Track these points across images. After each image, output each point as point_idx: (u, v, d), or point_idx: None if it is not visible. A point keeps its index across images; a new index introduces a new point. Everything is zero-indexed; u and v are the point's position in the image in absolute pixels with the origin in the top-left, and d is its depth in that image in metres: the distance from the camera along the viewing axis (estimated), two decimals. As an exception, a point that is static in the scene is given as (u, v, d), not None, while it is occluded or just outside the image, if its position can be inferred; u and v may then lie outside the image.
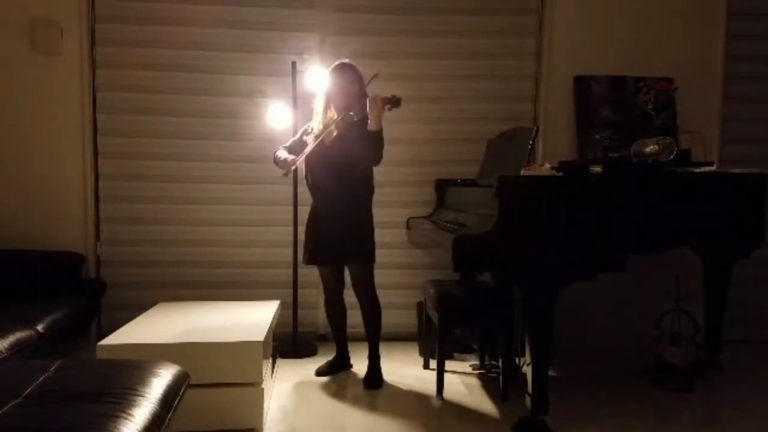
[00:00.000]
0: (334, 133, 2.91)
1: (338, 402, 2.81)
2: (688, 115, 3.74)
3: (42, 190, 3.49)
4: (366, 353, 3.06)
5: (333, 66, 2.97)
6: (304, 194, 3.44)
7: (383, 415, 2.65)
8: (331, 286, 3.13)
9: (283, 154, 3.02)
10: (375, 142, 2.83)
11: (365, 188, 2.99)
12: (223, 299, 3.22)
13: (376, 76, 2.87)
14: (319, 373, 3.15)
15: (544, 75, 3.72)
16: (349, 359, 3.25)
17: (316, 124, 2.99)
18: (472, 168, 3.45)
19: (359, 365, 3.18)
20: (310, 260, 3.06)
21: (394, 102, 2.82)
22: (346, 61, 2.97)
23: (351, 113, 2.87)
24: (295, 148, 3.06)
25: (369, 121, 2.80)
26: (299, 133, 3.13)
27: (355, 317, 3.14)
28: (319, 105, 3.00)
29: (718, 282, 3.26)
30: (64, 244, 3.45)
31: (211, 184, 3.62)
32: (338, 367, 3.20)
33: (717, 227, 2.81)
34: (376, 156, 2.88)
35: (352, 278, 3.03)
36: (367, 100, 2.81)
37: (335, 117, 2.91)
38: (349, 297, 3.12)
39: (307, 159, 3.00)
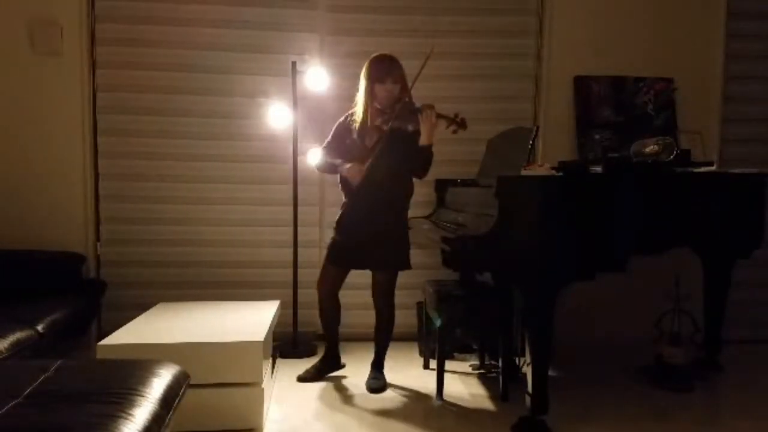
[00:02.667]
0: (376, 137, 2.85)
1: (338, 402, 2.81)
2: (688, 115, 3.74)
3: (42, 190, 3.49)
4: (367, 355, 3.05)
5: (374, 58, 2.86)
6: (304, 194, 3.46)
7: (383, 415, 2.65)
8: (335, 285, 3.07)
9: (337, 160, 2.91)
10: (425, 157, 2.81)
11: (405, 193, 2.97)
12: (223, 299, 3.22)
13: (432, 52, 2.79)
14: (302, 379, 3.05)
15: (544, 75, 3.72)
16: (339, 359, 3.20)
17: (359, 118, 2.90)
18: (472, 168, 3.45)
19: (361, 366, 3.17)
20: (339, 262, 2.98)
21: (459, 123, 2.79)
22: (389, 54, 2.88)
23: (398, 123, 2.79)
24: (332, 153, 2.98)
25: (421, 135, 2.77)
26: (334, 130, 3.02)
27: (349, 317, 3.13)
28: (360, 100, 2.90)
29: (718, 282, 3.26)
30: (64, 244, 3.45)
31: (211, 184, 3.62)
32: (326, 370, 3.12)
33: (717, 227, 2.81)
34: (423, 171, 2.87)
35: (377, 284, 2.98)
36: (421, 114, 2.75)
37: (378, 118, 2.84)
38: (347, 297, 3.11)
39: (348, 160, 2.92)
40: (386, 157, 2.82)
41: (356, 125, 2.92)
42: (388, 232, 2.89)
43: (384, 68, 2.84)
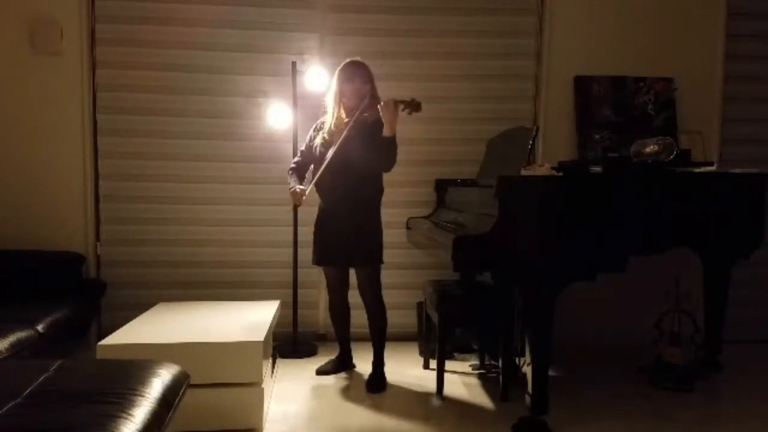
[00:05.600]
0: (344, 134, 2.87)
1: (338, 402, 2.81)
2: (688, 115, 3.74)
3: (42, 190, 3.49)
4: (370, 355, 3.05)
5: (344, 64, 2.93)
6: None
7: (383, 415, 2.65)
8: (336, 287, 3.11)
9: (293, 181, 3.00)
10: (389, 148, 2.81)
11: (374, 190, 2.97)
12: (223, 299, 3.22)
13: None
14: (320, 372, 3.15)
15: (544, 75, 3.72)
16: (351, 360, 3.25)
17: (328, 121, 2.95)
18: (472, 168, 3.45)
19: (363, 366, 3.18)
20: (318, 261, 3.04)
21: (414, 106, 2.78)
22: (357, 59, 2.94)
23: (366, 114, 2.84)
24: (307, 155, 3.05)
25: (384, 127, 2.77)
26: (309, 133, 3.08)
27: (359, 317, 3.14)
28: (329, 103, 2.96)
29: (718, 282, 3.26)
30: (64, 244, 3.45)
31: (211, 184, 3.62)
32: (340, 367, 3.19)
33: (717, 227, 2.81)
34: (389, 162, 2.86)
35: (359, 281, 3.00)
36: (380, 105, 2.77)
37: (345, 118, 2.89)
38: (354, 298, 3.10)
39: (316, 159, 2.98)
40: (350, 147, 2.83)
41: (326, 126, 2.96)
42: (359, 229, 2.90)
43: (352, 69, 2.90)
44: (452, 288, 3.01)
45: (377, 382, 2.98)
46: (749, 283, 3.67)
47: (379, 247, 2.97)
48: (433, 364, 3.08)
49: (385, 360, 3.07)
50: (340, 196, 2.91)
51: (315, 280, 3.62)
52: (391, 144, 2.81)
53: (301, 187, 2.96)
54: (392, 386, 2.99)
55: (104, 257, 3.60)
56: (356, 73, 2.89)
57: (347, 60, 2.94)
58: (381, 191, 3.01)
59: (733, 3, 3.77)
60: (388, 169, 2.90)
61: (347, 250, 2.91)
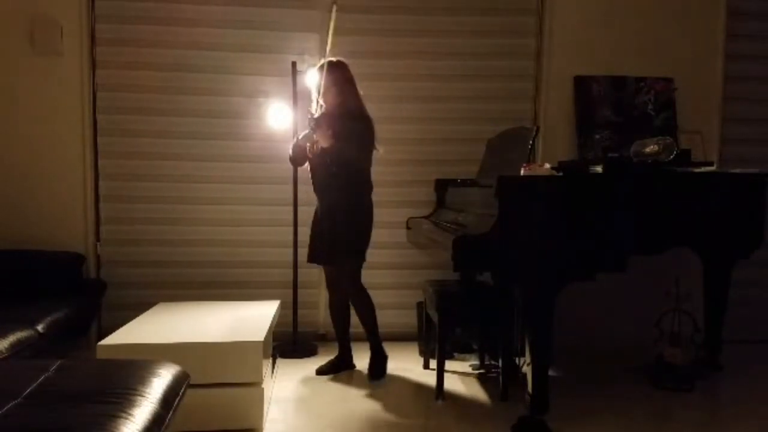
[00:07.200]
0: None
1: (338, 402, 2.81)
2: (688, 115, 3.74)
3: (42, 190, 3.49)
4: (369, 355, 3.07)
5: (318, 65, 3.03)
6: (304, 194, 3.46)
7: (383, 415, 2.65)
8: (334, 285, 3.14)
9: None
10: (330, 157, 2.89)
11: (353, 186, 3.00)
12: (223, 299, 3.22)
13: (335, 3, 2.93)
14: (320, 372, 3.15)
15: (544, 75, 3.72)
16: (351, 359, 3.25)
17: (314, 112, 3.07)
18: (472, 168, 3.45)
19: (363, 366, 3.17)
20: (309, 258, 3.13)
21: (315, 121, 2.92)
22: (331, 59, 2.99)
23: (309, 117, 2.95)
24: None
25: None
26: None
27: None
28: (313, 103, 3.07)
29: (718, 282, 3.26)
30: (64, 244, 3.45)
31: (211, 184, 3.62)
32: (339, 367, 3.20)
33: (717, 227, 2.81)
34: (337, 170, 2.91)
35: (339, 277, 3.06)
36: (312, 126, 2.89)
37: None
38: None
39: (310, 160, 3.06)
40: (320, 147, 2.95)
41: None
42: (338, 223, 2.96)
43: (319, 73, 2.98)
44: (452, 288, 3.01)
45: (374, 368, 3.03)
46: (749, 283, 3.67)
47: (356, 240, 3.00)
48: (433, 364, 3.08)
49: (387, 360, 3.08)
50: (325, 194, 3.02)
51: (315, 280, 3.62)
52: (330, 154, 2.89)
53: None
54: (392, 386, 2.99)
55: (104, 257, 3.60)
56: (321, 76, 2.97)
57: (321, 60, 3.02)
58: (361, 187, 3.02)
59: (733, 3, 3.77)
60: (340, 174, 2.94)
61: (329, 245, 2.99)
